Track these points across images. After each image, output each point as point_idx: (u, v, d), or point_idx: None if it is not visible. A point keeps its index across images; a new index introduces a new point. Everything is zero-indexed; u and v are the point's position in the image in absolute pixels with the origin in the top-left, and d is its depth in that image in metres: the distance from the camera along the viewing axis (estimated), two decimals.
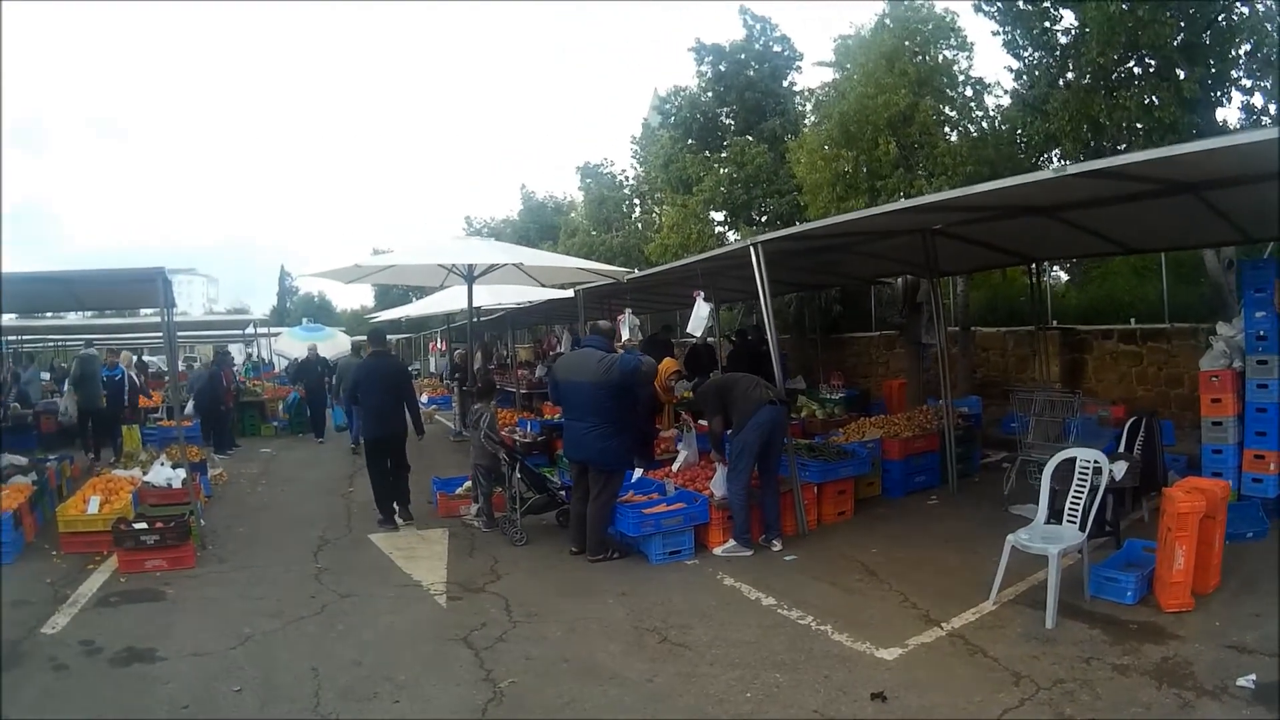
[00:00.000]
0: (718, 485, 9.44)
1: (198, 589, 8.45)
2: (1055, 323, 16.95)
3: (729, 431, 9.49)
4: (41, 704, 5.95)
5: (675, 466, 10.74)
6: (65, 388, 19.48)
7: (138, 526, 9.34)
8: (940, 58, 18.92)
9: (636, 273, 14.72)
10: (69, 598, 8.30)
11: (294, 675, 6.18)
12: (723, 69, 26.02)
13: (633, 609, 7.40)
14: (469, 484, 11.32)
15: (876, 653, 6.21)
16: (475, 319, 15.38)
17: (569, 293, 16.50)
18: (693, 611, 7.25)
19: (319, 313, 76.30)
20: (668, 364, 11.03)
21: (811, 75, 63.26)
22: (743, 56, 26.03)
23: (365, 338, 14.20)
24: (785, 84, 26.57)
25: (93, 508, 10.32)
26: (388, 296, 51.32)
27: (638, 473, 10.30)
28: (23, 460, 13.34)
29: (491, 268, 13.19)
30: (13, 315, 24.43)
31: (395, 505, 11.01)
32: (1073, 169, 7.15)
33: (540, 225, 42.15)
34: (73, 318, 28.94)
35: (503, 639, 6.76)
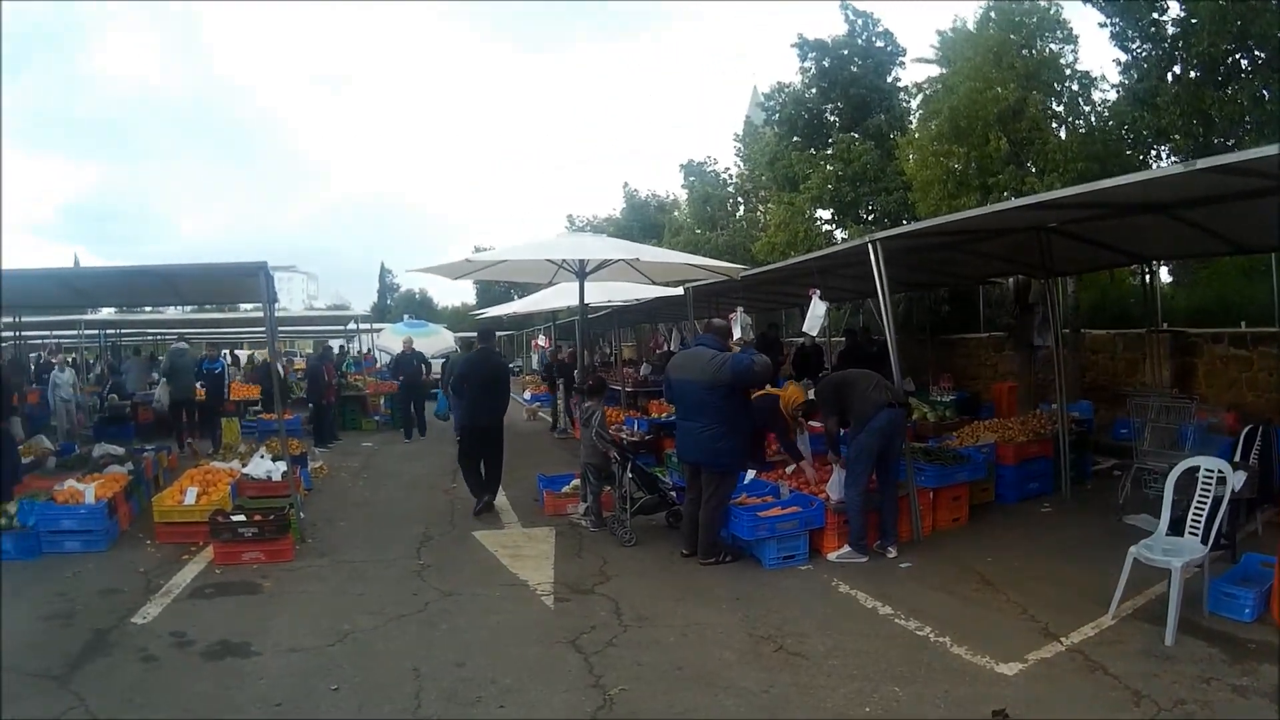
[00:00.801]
0: (835, 488, 9.13)
1: (296, 583, 8.35)
2: (1165, 325, 16.25)
3: (845, 432, 9.22)
4: (128, 695, 5.82)
5: (790, 469, 10.42)
6: (158, 379, 20.04)
7: (236, 519, 9.33)
8: (1046, 50, 18.66)
9: (750, 270, 14.41)
10: (162, 588, 8.26)
11: (394, 675, 5.99)
12: (826, 65, 25.68)
13: (747, 615, 7.17)
14: (576, 482, 11.19)
15: (997, 667, 5.97)
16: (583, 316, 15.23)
17: (677, 291, 16.27)
18: (808, 619, 7.04)
19: (420, 309, 77.81)
20: (795, 393, 10.70)
21: (913, 71, 62.62)
22: (845, 52, 25.67)
23: (476, 334, 14.41)
24: (889, 80, 26.26)
25: (190, 499, 10.35)
26: (489, 294, 51.75)
27: (750, 474, 10.02)
28: (119, 450, 13.62)
29: (604, 263, 13.03)
30: (111, 309, 25.03)
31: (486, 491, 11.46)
32: (1202, 164, 6.68)
33: (644, 223, 41.99)
34: (172, 312, 29.66)
35: (613, 643, 6.55)
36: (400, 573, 8.62)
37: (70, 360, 22.92)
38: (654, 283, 15.49)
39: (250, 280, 10.50)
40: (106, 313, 25.69)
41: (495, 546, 9.55)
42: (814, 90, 26.26)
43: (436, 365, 23.04)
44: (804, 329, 11.76)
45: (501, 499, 11.83)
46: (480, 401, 11.58)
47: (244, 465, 12.37)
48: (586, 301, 14.43)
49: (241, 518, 9.31)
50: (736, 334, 11.11)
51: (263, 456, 12.72)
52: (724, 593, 7.73)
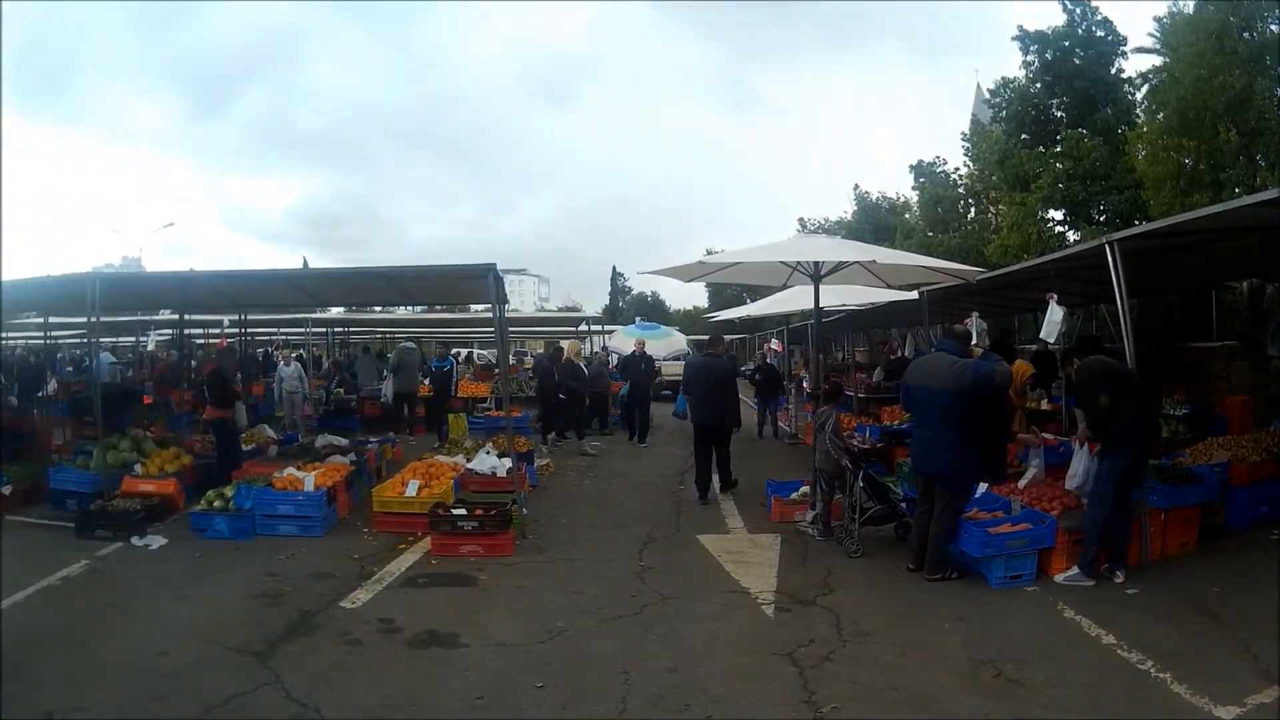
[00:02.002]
0: (1075, 477, 8.71)
1: (512, 578, 8.41)
2: None
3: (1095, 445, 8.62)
4: (326, 675, 5.97)
5: (1021, 483, 9.88)
6: (385, 375, 21.18)
7: (456, 512, 9.53)
8: (1267, 33, 17.35)
9: (987, 273, 13.84)
10: (374, 575, 8.48)
11: (602, 676, 5.89)
12: (1049, 58, 24.58)
13: (968, 637, 6.85)
14: (805, 489, 10.92)
15: (1214, 710, 5.52)
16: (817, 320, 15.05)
17: (910, 295, 15.78)
18: (1030, 644, 6.68)
19: (652, 312, 78.97)
20: (1022, 367, 10.22)
21: (1135, 61, 59.76)
22: (1066, 44, 24.45)
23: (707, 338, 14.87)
24: (1113, 71, 24.88)
25: (411, 490, 10.65)
26: (721, 297, 51.98)
27: (982, 487, 9.53)
28: (343, 441, 14.26)
29: (838, 266, 12.73)
30: (340, 309, 26.22)
31: (714, 484, 12.32)
32: None
33: (875, 226, 41.16)
34: (401, 312, 30.89)
35: (829, 658, 6.33)
36: (620, 573, 8.55)
37: (298, 355, 24.15)
38: (888, 286, 15.03)
39: (479, 281, 10.83)
40: (335, 312, 26.87)
41: (719, 551, 9.37)
42: (1038, 85, 25.30)
43: (674, 367, 23.04)
44: (1041, 335, 11.19)
45: (728, 503, 11.75)
46: (706, 402, 12.63)
47: (469, 460, 12.68)
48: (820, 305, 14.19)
49: (462, 511, 9.50)
50: (974, 339, 10.71)
51: (489, 452, 13.01)
52: (946, 611, 7.43)
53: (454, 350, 23.26)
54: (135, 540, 9.92)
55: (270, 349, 31.87)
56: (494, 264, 10.25)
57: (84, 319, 15.35)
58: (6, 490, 11.91)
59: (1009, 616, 7.30)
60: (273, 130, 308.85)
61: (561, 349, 21.59)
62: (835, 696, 5.60)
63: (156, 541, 9.97)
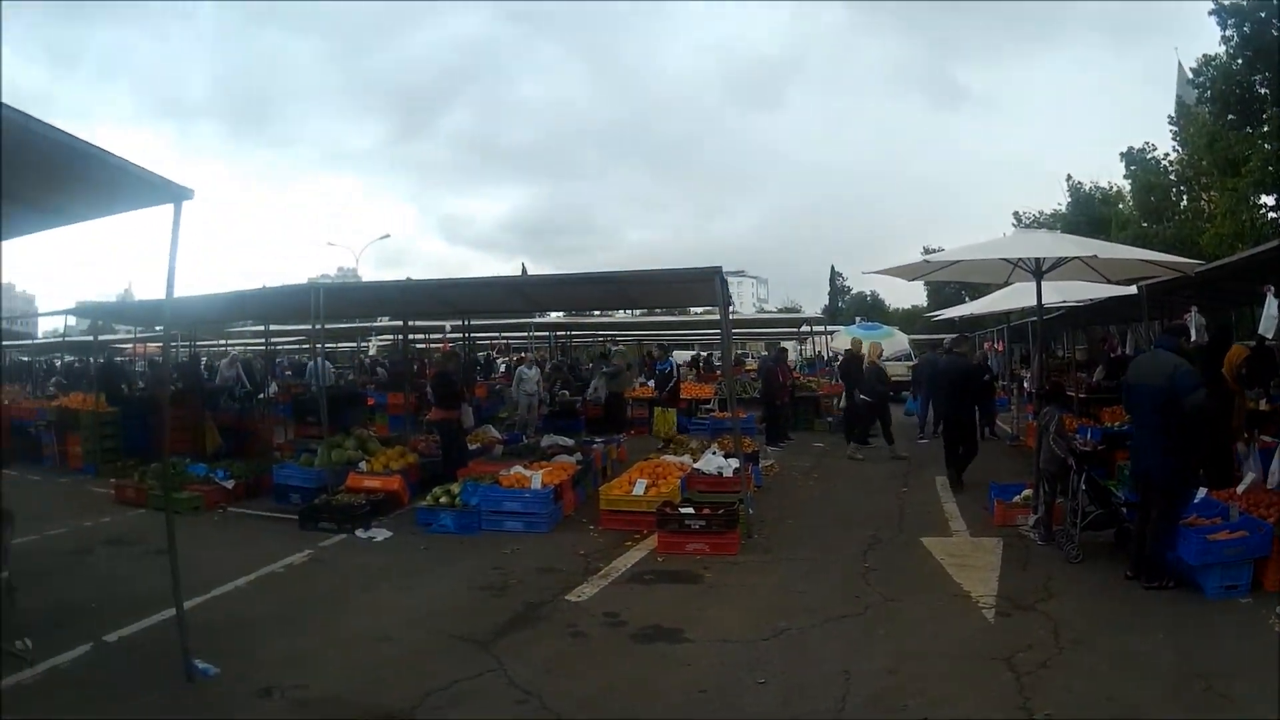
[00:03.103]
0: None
1: (737, 576, 8.45)
2: None
3: None
4: (549, 665, 6.13)
5: (1240, 488, 9.34)
6: (597, 375, 21.89)
7: (684, 510, 9.62)
8: None
9: (1204, 265, 13.16)
10: (600, 570, 8.65)
11: (823, 675, 5.84)
12: (1247, 31, 22.73)
13: (1181, 647, 6.57)
14: (1027, 493, 10.57)
15: None
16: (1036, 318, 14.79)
17: (1129, 290, 15.13)
18: (1241, 660, 6.34)
19: (871, 311, 78.06)
20: (1237, 351, 9.73)
21: None
22: (1263, 14, 22.55)
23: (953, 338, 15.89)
24: None
25: (638, 489, 10.82)
26: (939, 295, 50.72)
27: (1202, 492, 9.04)
28: (568, 441, 14.59)
29: (1059, 262, 12.33)
30: (558, 313, 26.84)
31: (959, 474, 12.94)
32: None
33: (1090, 218, 39.24)
34: (620, 315, 31.42)
35: (1046, 665, 6.18)
36: (843, 574, 8.46)
37: (537, 359, 24.88)
38: (1108, 281, 14.48)
39: (704, 284, 11.01)
40: (553, 316, 27.50)
41: (942, 554, 9.18)
42: (1239, 61, 23.44)
43: (896, 368, 22.80)
44: (1259, 330, 10.61)
45: (951, 505, 11.60)
46: (950, 399, 13.99)
47: (695, 461, 12.80)
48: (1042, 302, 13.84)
49: (690, 510, 9.59)
50: (1192, 336, 10.23)
51: (714, 453, 13.09)
52: (1161, 621, 7.12)
53: (673, 351, 23.59)
54: (359, 533, 10.49)
55: (491, 353, 32.79)
56: (719, 267, 10.33)
57: (305, 326, 16.26)
58: (230, 484, 12.83)
59: (1222, 629, 6.99)
60: (482, 145, 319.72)
61: (785, 349, 21.59)
62: (1050, 704, 5.50)
63: (381, 534, 10.50)
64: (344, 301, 16.92)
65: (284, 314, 19.27)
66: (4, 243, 7.87)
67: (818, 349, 30.54)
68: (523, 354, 25.19)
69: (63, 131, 4.97)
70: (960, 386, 13.69)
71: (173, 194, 5.81)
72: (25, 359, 35.32)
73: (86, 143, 5.12)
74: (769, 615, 7.16)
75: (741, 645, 6.47)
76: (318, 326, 14.10)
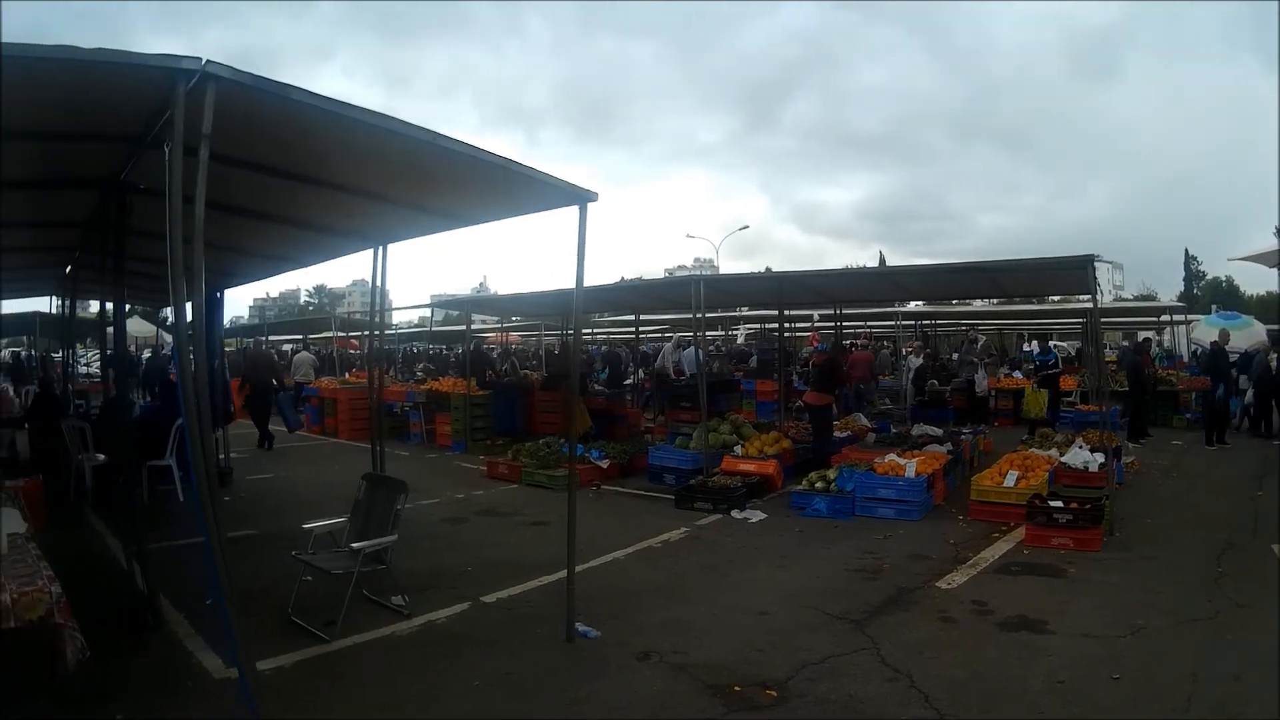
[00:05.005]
0: None
1: (1098, 572, 8.61)
2: None
3: None
4: (919, 648, 6.61)
5: None
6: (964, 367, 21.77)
7: (1053, 504, 9.80)
8: None
9: None
10: (969, 560, 9.08)
11: (1172, 676, 6.04)
12: None
13: None
14: None
15: None
16: None
17: None
18: None
19: (1226, 299, 71.33)
20: None
21: None
22: None
23: None
24: None
25: (1009, 481, 11.08)
26: None
27: None
28: (937, 431, 14.93)
29: None
30: (919, 302, 26.91)
31: None
32: None
33: None
34: (978, 304, 31.00)
35: None
36: (1197, 577, 8.43)
37: (923, 348, 25.42)
38: None
39: (1075, 272, 11.05)
40: (911, 305, 27.43)
41: None
42: None
43: None
44: None
45: None
46: None
47: (1061, 454, 12.87)
48: None
49: (1059, 504, 9.76)
50: None
51: (1080, 447, 13.12)
52: None
53: (1051, 342, 23.12)
54: (735, 513, 11.26)
55: (854, 343, 33.26)
56: (1092, 255, 10.45)
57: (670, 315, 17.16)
58: (604, 464, 14.06)
59: None
60: (828, 133, 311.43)
61: (1148, 340, 20.87)
62: None
63: (755, 515, 11.26)
64: (719, 292, 17.87)
65: (662, 304, 20.48)
66: (412, 240, 9.18)
67: (1176, 339, 28.99)
68: (913, 343, 25.45)
69: (486, 151, 5.91)
70: None
71: (578, 197, 6.75)
72: (388, 347, 38.77)
73: (508, 159, 6.02)
74: (1127, 613, 7.32)
75: (1100, 640, 6.71)
76: (699, 315, 15.02)
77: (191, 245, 4.42)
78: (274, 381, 20.78)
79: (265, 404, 19.64)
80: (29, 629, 4.78)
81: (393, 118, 5.14)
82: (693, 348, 19.35)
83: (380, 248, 9.21)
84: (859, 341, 29.93)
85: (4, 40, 3.86)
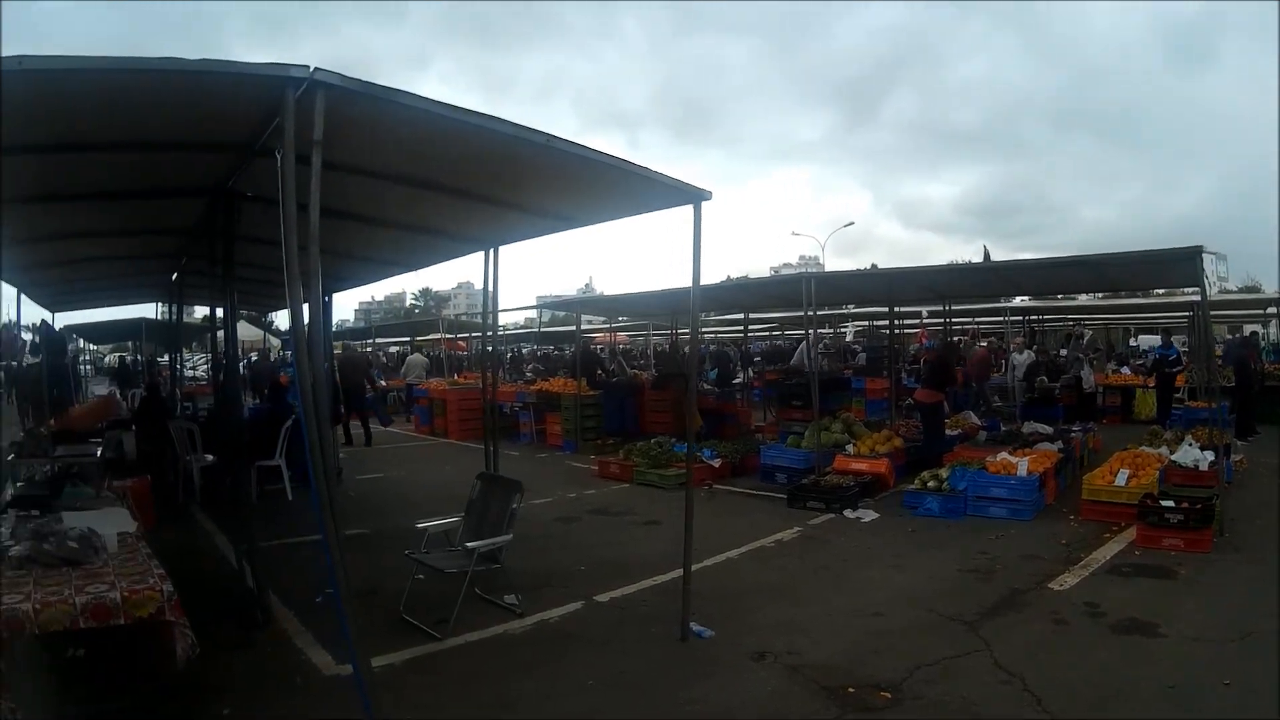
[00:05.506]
0: None
1: (1210, 575, 8.53)
2: None
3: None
4: (1032, 650, 6.65)
5: None
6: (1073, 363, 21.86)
7: (1164, 504, 9.72)
8: None
9: None
10: (1081, 560, 9.06)
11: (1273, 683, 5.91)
12: None
13: None
14: None
15: None
16: None
17: None
18: None
19: None
20: None
21: None
22: None
23: None
24: None
25: (1121, 480, 11.02)
26: None
27: None
28: (1048, 429, 14.78)
29: None
30: (1024, 297, 26.67)
31: None
32: None
33: None
34: (1083, 298, 30.66)
35: None
36: None
37: (1032, 344, 25.11)
38: None
39: (1183, 264, 10.90)
40: (1017, 300, 27.18)
41: None
42: None
43: None
44: None
45: None
46: None
47: (1171, 452, 12.67)
48: None
49: (1170, 504, 9.68)
50: None
51: (1190, 445, 12.84)
52: None
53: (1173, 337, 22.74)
54: (847, 513, 11.35)
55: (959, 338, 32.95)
56: (1200, 247, 10.25)
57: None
58: (716, 463, 14.19)
59: None
60: (928, 128, 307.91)
61: (1256, 334, 20.45)
62: None
63: (868, 515, 11.35)
64: (829, 289, 17.96)
65: (770, 302, 20.53)
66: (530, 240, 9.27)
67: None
68: (1017, 339, 25.19)
69: (604, 154, 6.06)
70: None
71: (693, 196, 6.86)
72: (499, 348, 39.50)
73: (622, 159, 6.15)
74: (1238, 616, 7.25)
75: (1211, 645, 6.68)
76: (811, 313, 15.07)
77: (307, 251, 4.55)
78: (365, 384, 21.22)
79: (360, 407, 20.16)
80: (141, 625, 4.93)
81: (505, 120, 5.26)
82: (803, 344, 19.34)
83: (492, 250, 9.35)
84: (967, 339, 29.71)
85: (107, 54, 4.05)
